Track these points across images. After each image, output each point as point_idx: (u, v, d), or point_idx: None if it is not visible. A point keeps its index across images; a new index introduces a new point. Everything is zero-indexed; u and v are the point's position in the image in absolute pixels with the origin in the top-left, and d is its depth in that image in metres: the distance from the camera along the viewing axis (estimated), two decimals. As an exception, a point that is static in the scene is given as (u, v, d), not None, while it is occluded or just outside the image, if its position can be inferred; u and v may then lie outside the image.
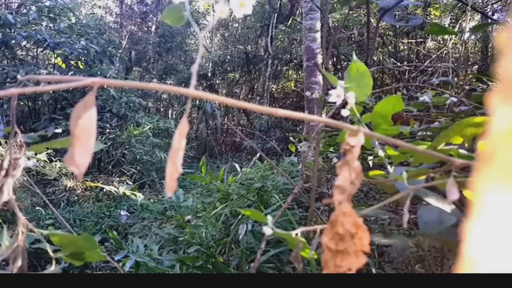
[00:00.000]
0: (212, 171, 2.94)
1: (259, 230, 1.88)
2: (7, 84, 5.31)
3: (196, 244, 1.90)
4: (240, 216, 2.06)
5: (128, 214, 4.04)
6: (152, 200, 4.65)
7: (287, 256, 1.81)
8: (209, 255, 1.81)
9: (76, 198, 4.56)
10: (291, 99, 11.40)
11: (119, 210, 4.13)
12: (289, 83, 11.61)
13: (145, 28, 11.82)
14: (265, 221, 0.61)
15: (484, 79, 2.08)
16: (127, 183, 5.05)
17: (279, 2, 10.05)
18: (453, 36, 5.54)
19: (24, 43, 6.33)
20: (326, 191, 2.30)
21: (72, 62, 6.28)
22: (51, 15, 6.22)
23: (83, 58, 6.24)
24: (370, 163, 1.48)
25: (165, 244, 2.29)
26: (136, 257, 1.78)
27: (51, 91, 5.66)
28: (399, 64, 6.06)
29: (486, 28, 4.16)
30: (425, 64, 4.92)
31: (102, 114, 6.10)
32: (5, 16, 5.36)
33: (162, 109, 11.09)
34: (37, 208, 3.85)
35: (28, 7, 6.70)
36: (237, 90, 11.84)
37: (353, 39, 8.55)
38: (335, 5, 1.85)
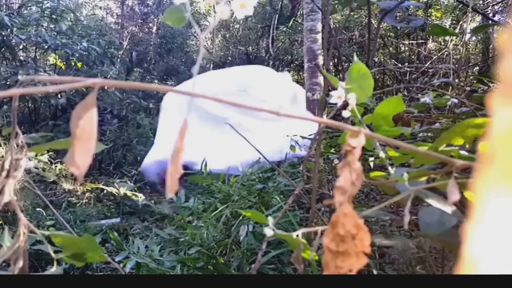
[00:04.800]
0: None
1: (260, 231, 1.88)
2: (8, 85, 5.31)
3: (197, 245, 1.90)
4: (241, 217, 2.06)
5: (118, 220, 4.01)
6: (153, 201, 4.65)
7: (288, 257, 1.81)
8: (210, 256, 1.81)
9: (77, 199, 4.56)
10: (292, 100, 11.39)
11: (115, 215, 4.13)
12: (290, 84, 11.60)
13: (146, 29, 11.82)
14: (266, 222, 0.61)
15: (485, 80, 2.08)
16: (128, 184, 5.05)
17: (280, 3, 10.05)
18: (454, 37, 5.54)
19: (23, 44, 6.34)
20: (327, 192, 2.30)
21: (73, 63, 6.28)
22: (53, 16, 6.23)
23: (84, 59, 6.25)
24: (371, 164, 1.48)
25: (165, 245, 2.29)
26: (137, 258, 1.78)
27: (58, 95, 5.68)
28: (400, 65, 6.06)
29: (487, 29, 4.16)
30: (426, 65, 4.92)
31: (103, 116, 6.11)
32: (1, 18, 5.36)
33: (163, 110, 11.08)
34: (37, 209, 3.85)
35: (29, 8, 6.71)
36: (238, 91, 11.83)
37: (354, 40, 8.56)
38: (336, 6, 1.85)
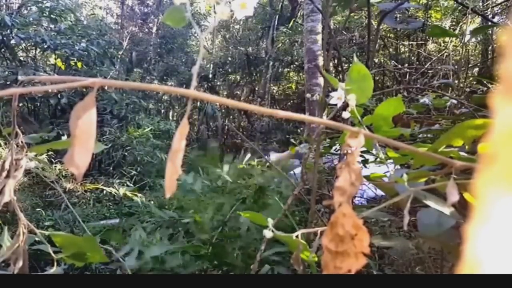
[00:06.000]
0: (212, 173, 2.94)
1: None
2: (7, 85, 5.31)
3: (197, 232, 1.89)
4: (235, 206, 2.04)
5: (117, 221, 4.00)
6: (153, 202, 4.65)
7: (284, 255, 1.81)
8: (213, 245, 1.80)
9: (76, 199, 4.56)
10: (292, 101, 11.41)
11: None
12: (290, 85, 11.62)
13: (146, 29, 11.82)
14: (265, 223, 0.61)
15: (485, 81, 2.08)
16: (127, 185, 5.05)
17: (281, 4, 10.06)
18: (454, 39, 5.55)
19: (24, 44, 6.34)
20: (326, 192, 2.30)
21: (72, 63, 6.28)
22: (52, 16, 6.23)
23: (83, 59, 6.25)
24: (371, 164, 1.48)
25: (163, 226, 2.27)
26: (139, 246, 1.77)
27: (58, 95, 5.68)
28: (400, 66, 6.07)
29: (487, 30, 4.16)
30: (426, 66, 4.92)
31: (102, 116, 6.11)
32: (2, 18, 5.36)
33: (162, 111, 11.09)
34: (37, 209, 3.85)
35: (29, 8, 6.71)
36: (238, 92, 11.85)
37: (354, 41, 8.56)
38: (336, 7, 1.85)
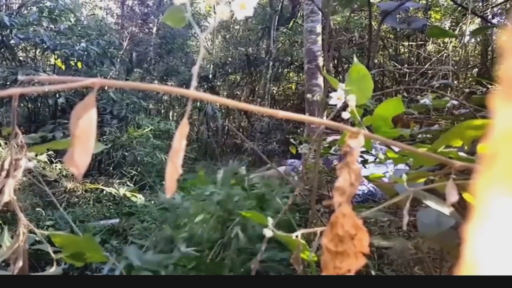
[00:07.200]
0: (213, 173, 2.93)
1: (252, 232, 1.87)
2: (7, 85, 5.31)
3: (187, 245, 1.87)
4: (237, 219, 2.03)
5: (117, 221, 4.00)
6: (152, 202, 4.65)
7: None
8: (200, 257, 1.79)
9: (76, 199, 4.56)
10: (292, 101, 11.41)
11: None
12: (290, 85, 11.62)
13: (146, 30, 11.81)
14: (265, 222, 0.61)
15: (484, 82, 2.08)
16: (127, 185, 5.05)
17: (281, 4, 10.06)
18: (453, 39, 5.55)
19: (23, 44, 6.34)
20: (326, 193, 2.30)
21: (72, 63, 6.28)
22: (52, 16, 6.23)
23: (83, 59, 6.24)
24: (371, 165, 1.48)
25: (160, 245, 2.27)
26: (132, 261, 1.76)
27: (56, 95, 5.68)
28: (399, 66, 6.07)
29: (486, 31, 4.16)
30: (426, 66, 4.92)
31: (102, 116, 6.11)
32: (2, 18, 5.35)
33: (162, 111, 11.08)
34: (37, 209, 3.85)
35: (29, 8, 6.71)
36: (238, 92, 11.85)
37: (354, 42, 8.56)
38: (336, 7, 1.85)
